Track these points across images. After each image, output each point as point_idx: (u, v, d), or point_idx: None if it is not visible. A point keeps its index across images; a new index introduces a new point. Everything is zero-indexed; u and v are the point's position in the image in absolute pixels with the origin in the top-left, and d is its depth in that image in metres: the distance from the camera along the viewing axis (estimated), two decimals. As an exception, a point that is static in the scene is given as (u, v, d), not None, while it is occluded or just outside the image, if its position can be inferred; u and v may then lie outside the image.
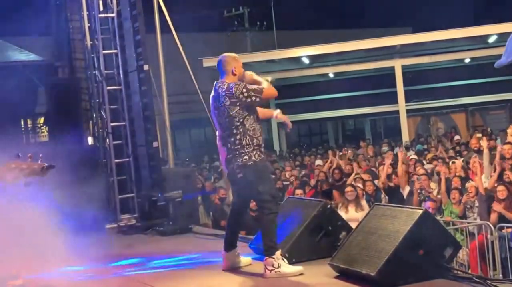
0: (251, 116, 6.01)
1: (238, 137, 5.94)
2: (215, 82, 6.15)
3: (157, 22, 11.44)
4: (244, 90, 5.93)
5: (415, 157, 15.67)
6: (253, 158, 5.95)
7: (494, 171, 10.53)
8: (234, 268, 6.32)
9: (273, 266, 5.86)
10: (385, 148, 20.26)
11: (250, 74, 6.23)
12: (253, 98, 5.93)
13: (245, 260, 6.44)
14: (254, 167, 5.95)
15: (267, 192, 5.96)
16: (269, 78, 6.34)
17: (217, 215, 12.46)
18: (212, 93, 6.12)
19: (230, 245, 6.34)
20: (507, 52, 2.78)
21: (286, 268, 5.90)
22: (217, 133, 6.26)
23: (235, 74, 6.11)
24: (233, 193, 6.71)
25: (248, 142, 5.94)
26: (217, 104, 6.02)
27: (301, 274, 5.88)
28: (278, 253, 5.90)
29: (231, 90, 5.93)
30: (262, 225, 6.04)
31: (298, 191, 11.51)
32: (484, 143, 11.15)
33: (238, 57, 6.27)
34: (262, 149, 6.07)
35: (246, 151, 5.94)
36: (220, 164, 6.26)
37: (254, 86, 6.00)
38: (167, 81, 11.79)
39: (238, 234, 6.51)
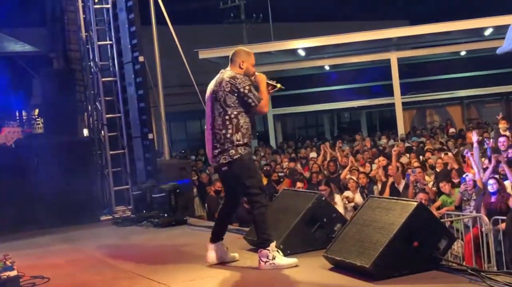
0: (246, 115, 5.96)
1: (230, 131, 5.90)
2: (222, 69, 6.12)
3: (152, 13, 11.41)
4: (247, 87, 5.88)
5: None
6: (240, 151, 5.90)
7: (483, 165, 10.59)
8: (219, 262, 6.26)
9: (267, 257, 5.85)
10: (383, 141, 20.31)
11: (262, 79, 6.12)
12: (249, 100, 5.89)
13: (232, 255, 6.38)
14: (239, 161, 5.90)
15: (255, 185, 5.92)
16: (279, 85, 6.25)
17: (212, 207, 12.45)
18: (216, 78, 6.07)
19: (217, 237, 6.29)
20: (509, 39, 2.77)
21: (281, 260, 5.89)
22: (206, 124, 6.19)
23: (241, 68, 6.03)
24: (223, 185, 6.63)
25: (238, 139, 5.90)
26: (217, 88, 5.95)
27: (296, 265, 5.88)
28: (272, 244, 5.89)
29: (235, 80, 5.88)
30: (253, 218, 6.01)
31: (299, 184, 11.46)
32: (473, 137, 11.11)
33: (252, 54, 6.17)
34: (247, 143, 6.00)
35: (233, 145, 5.89)
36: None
37: (256, 93, 5.94)
38: (163, 73, 11.77)
39: (226, 227, 6.47)
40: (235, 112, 5.90)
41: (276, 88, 6.25)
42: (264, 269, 5.86)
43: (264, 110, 6.09)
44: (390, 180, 11.56)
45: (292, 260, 5.94)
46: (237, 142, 5.89)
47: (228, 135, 5.90)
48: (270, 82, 6.22)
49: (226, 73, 6.00)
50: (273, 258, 5.85)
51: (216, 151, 5.98)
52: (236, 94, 5.88)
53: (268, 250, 5.86)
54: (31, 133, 8.99)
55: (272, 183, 13.30)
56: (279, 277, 5.72)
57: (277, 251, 5.92)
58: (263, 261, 5.88)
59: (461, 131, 20.80)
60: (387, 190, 11.35)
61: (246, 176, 5.92)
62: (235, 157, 5.89)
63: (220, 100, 5.92)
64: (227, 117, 5.90)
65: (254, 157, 17.94)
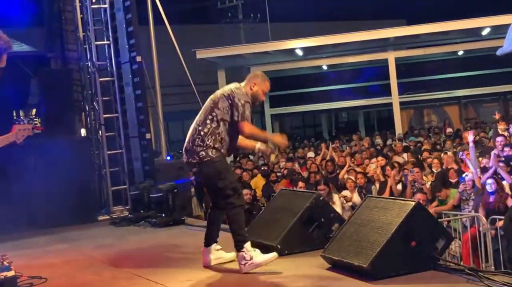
0: (229, 127, 5.89)
1: (206, 131, 5.85)
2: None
3: (150, 13, 11.41)
4: (242, 101, 5.84)
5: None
6: (210, 154, 5.84)
7: (481, 165, 10.58)
8: (215, 264, 6.23)
9: (245, 259, 5.81)
10: (378, 140, 20.32)
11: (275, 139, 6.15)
12: (235, 113, 5.82)
13: (229, 255, 6.33)
14: (210, 163, 5.85)
15: (228, 186, 5.85)
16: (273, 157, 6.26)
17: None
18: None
19: (209, 241, 6.25)
20: (509, 40, 2.77)
21: (259, 257, 5.83)
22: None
23: (251, 89, 6.01)
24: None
25: (209, 144, 5.84)
26: (221, 92, 5.97)
27: (275, 259, 5.84)
28: (247, 245, 5.83)
29: (237, 90, 5.90)
30: (228, 220, 5.96)
31: (301, 184, 11.44)
32: (469, 137, 11.11)
33: (267, 81, 6.17)
34: (221, 151, 5.92)
35: (204, 146, 5.84)
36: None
37: (248, 112, 5.85)
38: (160, 72, 11.77)
39: (218, 229, 6.37)
40: (219, 117, 5.87)
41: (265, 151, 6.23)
42: (246, 272, 5.81)
43: (245, 131, 5.88)
44: (391, 180, 11.48)
45: (270, 255, 5.87)
46: (208, 144, 5.84)
47: (202, 134, 5.86)
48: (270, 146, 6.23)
49: (236, 84, 6.03)
50: (251, 258, 5.80)
51: (188, 147, 5.95)
52: (229, 102, 5.84)
53: (244, 251, 5.81)
54: (41, 132, 8.96)
55: (270, 183, 13.29)
56: (276, 276, 5.72)
57: (254, 249, 5.86)
58: (242, 264, 5.83)
59: (458, 131, 20.81)
60: (387, 190, 11.30)
61: (217, 178, 5.88)
62: (204, 159, 5.85)
63: (215, 101, 5.92)
64: (210, 117, 5.88)
65: (252, 157, 17.96)
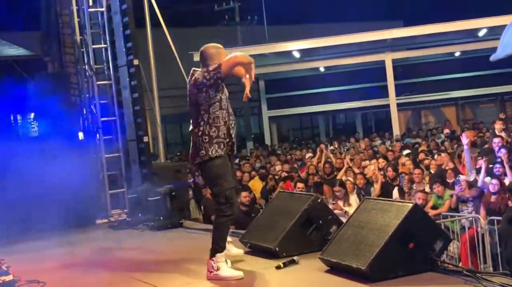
0: (216, 103, 5.77)
1: (201, 128, 5.76)
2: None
3: (147, 16, 11.42)
4: (206, 74, 5.72)
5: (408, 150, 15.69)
6: (210, 153, 5.75)
7: (477, 166, 10.58)
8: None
9: (212, 268, 5.76)
10: (376, 142, 20.33)
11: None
12: (214, 77, 5.67)
13: (235, 251, 6.36)
14: (210, 163, 5.76)
15: (221, 194, 5.77)
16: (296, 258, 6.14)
17: (208, 209, 12.42)
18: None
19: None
20: (501, 46, 2.77)
21: (225, 271, 5.76)
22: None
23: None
24: None
25: (206, 133, 5.73)
26: (189, 88, 5.91)
27: (241, 278, 5.74)
28: (219, 255, 5.77)
29: (198, 78, 5.78)
30: (213, 225, 5.95)
31: (300, 185, 11.42)
32: (463, 139, 11.09)
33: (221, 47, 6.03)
34: (222, 142, 5.80)
35: (204, 144, 5.74)
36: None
37: (214, 66, 5.72)
38: (158, 75, 11.77)
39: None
40: (205, 108, 5.76)
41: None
42: (210, 280, 5.78)
43: (236, 60, 5.73)
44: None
45: (236, 273, 5.80)
46: (205, 138, 5.75)
47: (200, 133, 5.79)
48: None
49: (195, 71, 5.93)
50: (217, 269, 5.75)
51: (191, 150, 5.89)
52: (204, 89, 5.73)
53: (213, 260, 5.78)
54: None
55: (268, 185, 13.29)
56: (275, 279, 5.73)
57: (225, 261, 5.82)
58: (208, 271, 5.82)
59: (453, 132, 20.82)
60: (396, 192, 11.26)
61: (214, 182, 5.83)
62: (205, 159, 5.76)
63: (192, 103, 5.85)
64: (199, 116, 5.79)
65: (248, 158, 17.95)
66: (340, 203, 10.26)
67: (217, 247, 5.79)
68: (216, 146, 5.77)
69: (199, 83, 5.75)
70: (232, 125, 5.91)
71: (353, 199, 10.73)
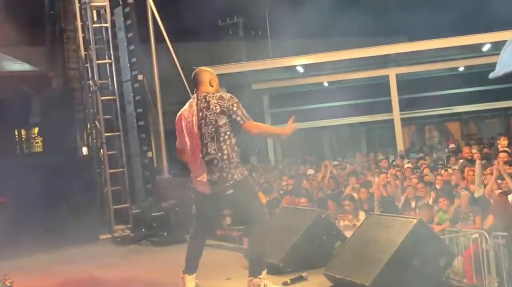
0: (236, 137, 5.60)
1: (225, 151, 5.48)
2: (199, 93, 5.77)
3: (151, 32, 11.45)
4: (235, 105, 5.54)
5: (410, 165, 15.63)
6: (243, 173, 5.58)
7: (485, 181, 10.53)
8: None
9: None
10: (380, 157, 20.26)
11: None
12: (238, 119, 5.51)
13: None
14: (245, 182, 5.58)
15: (260, 205, 5.79)
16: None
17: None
18: (196, 101, 5.71)
19: (194, 267, 5.92)
20: (501, 64, 2.75)
21: None
22: (188, 145, 5.70)
23: (212, 86, 5.78)
24: (205, 212, 6.06)
25: (235, 158, 5.52)
26: (205, 113, 5.54)
27: None
28: (264, 273, 5.64)
29: (223, 99, 5.57)
30: (254, 240, 5.77)
31: (303, 200, 11.38)
32: (476, 154, 11.06)
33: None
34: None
35: (234, 166, 5.51)
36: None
37: (245, 111, 5.57)
38: (161, 90, 11.79)
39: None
40: (228, 133, 5.51)
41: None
42: None
43: (252, 131, 5.59)
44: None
45: None
46: (235, 162, 5.53)
47: (225, 157, 5.48)
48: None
49: (210, 96, 5.65)
50: None
51: (215, 176, 5.52)
52: (227, 115, 5.50)
53: (260, 278, 5.61)
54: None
55: (272, 200, 13.27)
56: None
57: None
58: None
59: (458, 147, 20.74)
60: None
61: (252, 197, 5.68)
62: (239, 179, 5.52)
63: (211, 123, 5.51)
64: (221, 139, 5.49)
65: (254, 174, 17.95)
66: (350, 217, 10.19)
67: (262, 263, 5.64)
68: (242, 167, 5.65)
69: (225, 107, 5.53)
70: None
71: (363, 214, 10.64)
